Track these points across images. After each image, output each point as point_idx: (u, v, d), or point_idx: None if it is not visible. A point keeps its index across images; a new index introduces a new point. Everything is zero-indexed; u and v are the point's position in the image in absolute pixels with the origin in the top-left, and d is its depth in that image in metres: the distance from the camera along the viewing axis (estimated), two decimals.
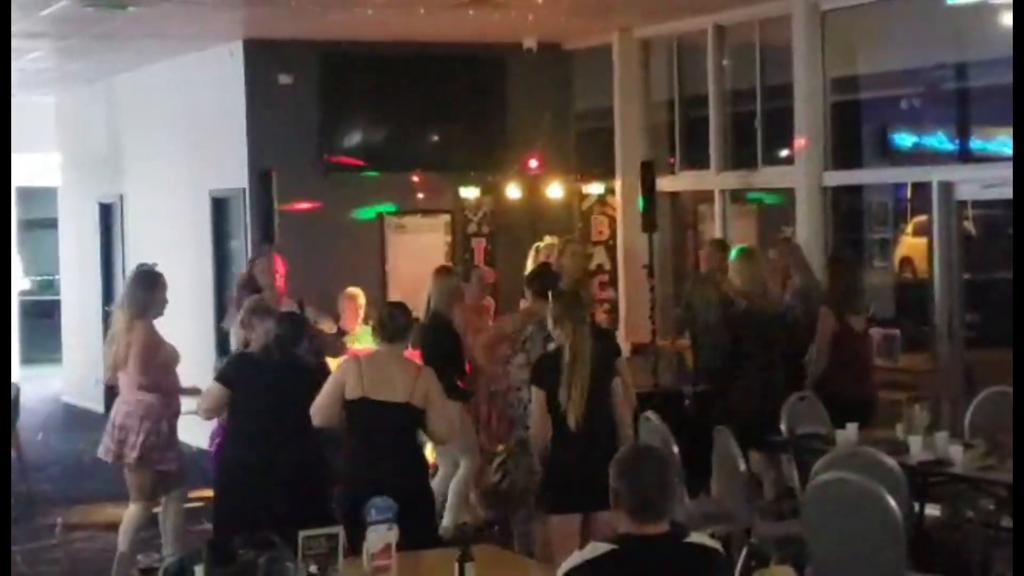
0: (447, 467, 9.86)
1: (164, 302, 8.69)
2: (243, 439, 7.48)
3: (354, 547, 5.80)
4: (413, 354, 8.52)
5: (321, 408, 6.93)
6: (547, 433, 6.91)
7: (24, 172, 18.02)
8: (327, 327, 10.87)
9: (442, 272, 10.17)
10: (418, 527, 6.27)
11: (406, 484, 6.53)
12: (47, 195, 18.72)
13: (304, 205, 12.45)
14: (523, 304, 9.43)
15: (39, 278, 21.93)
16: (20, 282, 20.43)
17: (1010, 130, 9.08)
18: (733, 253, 9.79)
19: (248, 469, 7.36)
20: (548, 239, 11.91)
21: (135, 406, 8.47)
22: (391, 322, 6.96)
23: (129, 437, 8.41)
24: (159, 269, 8.85)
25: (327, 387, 6.94)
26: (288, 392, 7.30)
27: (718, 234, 11.99)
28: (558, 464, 6.91)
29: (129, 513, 8.62)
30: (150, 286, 8.61)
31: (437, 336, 9.53)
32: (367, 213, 12.93)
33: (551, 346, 7.32)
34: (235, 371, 7.64)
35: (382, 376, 6.80)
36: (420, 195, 13.13)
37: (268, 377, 7.47)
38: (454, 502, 9.69)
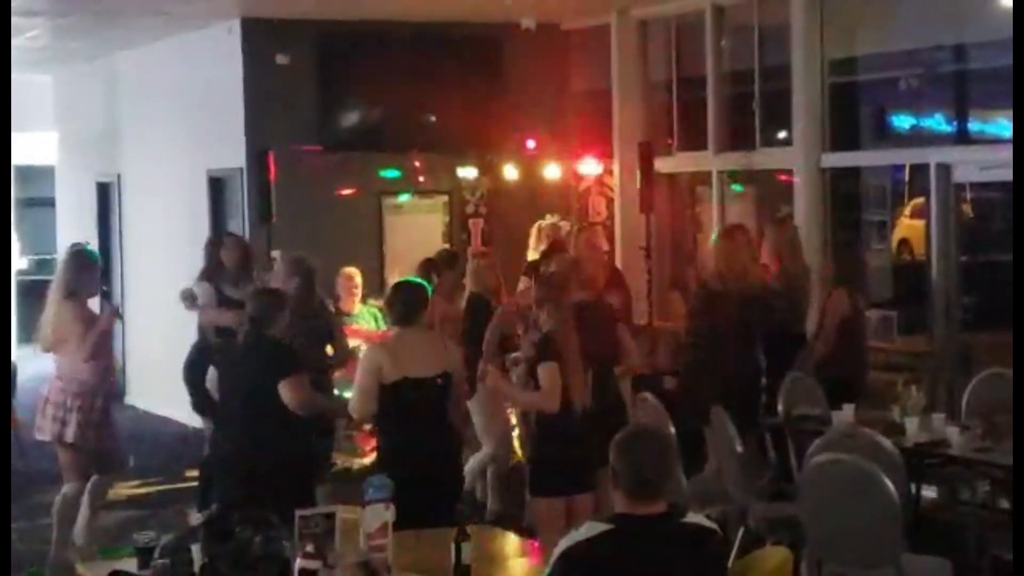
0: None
1: (95, 282, 8.70)
2: (224, 430, 7.20)
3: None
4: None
5: (360, 401, 6.83)
6: (553, 409, 6.85)
7: (21, 151, 17.91)
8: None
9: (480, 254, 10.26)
10: (449, 505, 6.30)
11: (449, 461, 6.58)
12: (44, 174, 18.66)
13: (301, 185, 12.42)
14: (522, 285, 9.40)
15: (36, 257, 21.87)
16: (17, 261, 20.37)
17: (1009, 112, 9.07)
18: (713, 235, 9.62)
19: (230, 462, 7.04)
20: (550, 217, 11.90)
21: (70, 383, 8.41)
22: (410, 303, 6.92)
23: (66, 416, 8.37)
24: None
25: (362, 379, 6.81)
26: (260, 377, 6.91)
27: (715, 215, 11.99)
28: (561, 448, 6.87)
29: (64, 494, 8.58)
30: (78, 267, 8.55)
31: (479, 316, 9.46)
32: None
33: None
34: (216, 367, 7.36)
35: (415, 354, 6.78)
36: (418, 176, 13.11)
37: (239, 363, 7.09)
38: (494, 484, 9.67)
